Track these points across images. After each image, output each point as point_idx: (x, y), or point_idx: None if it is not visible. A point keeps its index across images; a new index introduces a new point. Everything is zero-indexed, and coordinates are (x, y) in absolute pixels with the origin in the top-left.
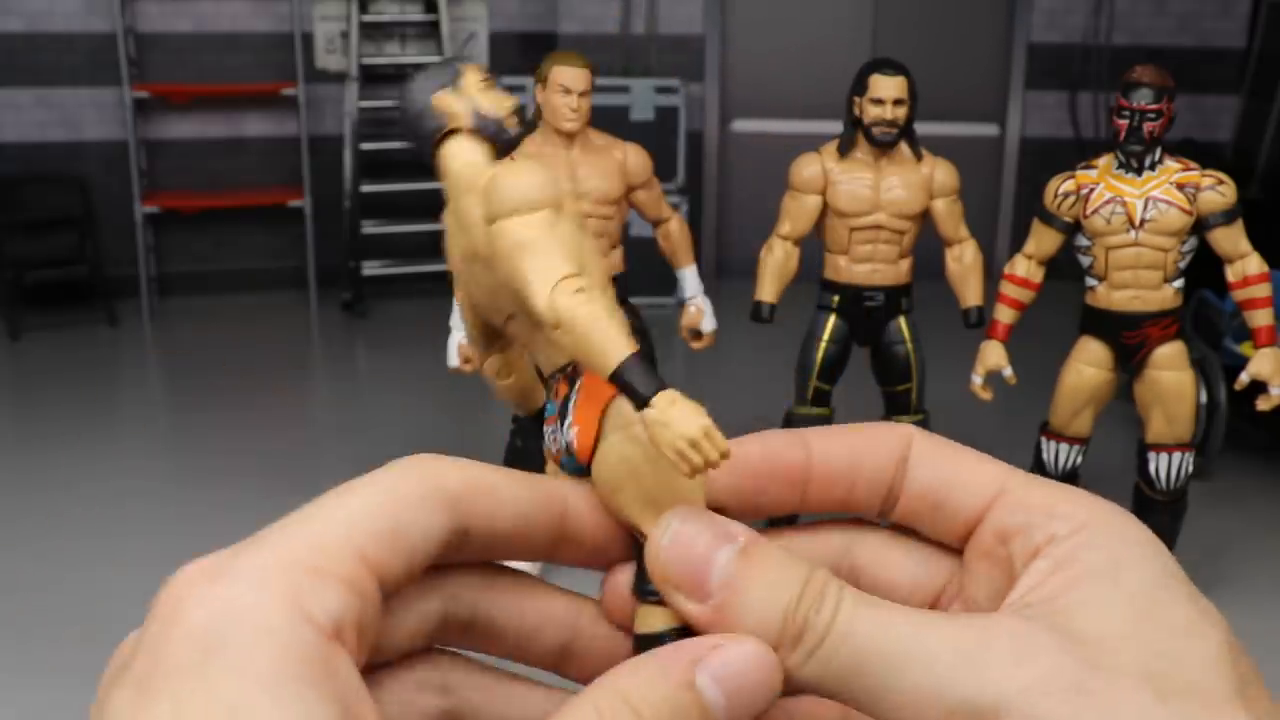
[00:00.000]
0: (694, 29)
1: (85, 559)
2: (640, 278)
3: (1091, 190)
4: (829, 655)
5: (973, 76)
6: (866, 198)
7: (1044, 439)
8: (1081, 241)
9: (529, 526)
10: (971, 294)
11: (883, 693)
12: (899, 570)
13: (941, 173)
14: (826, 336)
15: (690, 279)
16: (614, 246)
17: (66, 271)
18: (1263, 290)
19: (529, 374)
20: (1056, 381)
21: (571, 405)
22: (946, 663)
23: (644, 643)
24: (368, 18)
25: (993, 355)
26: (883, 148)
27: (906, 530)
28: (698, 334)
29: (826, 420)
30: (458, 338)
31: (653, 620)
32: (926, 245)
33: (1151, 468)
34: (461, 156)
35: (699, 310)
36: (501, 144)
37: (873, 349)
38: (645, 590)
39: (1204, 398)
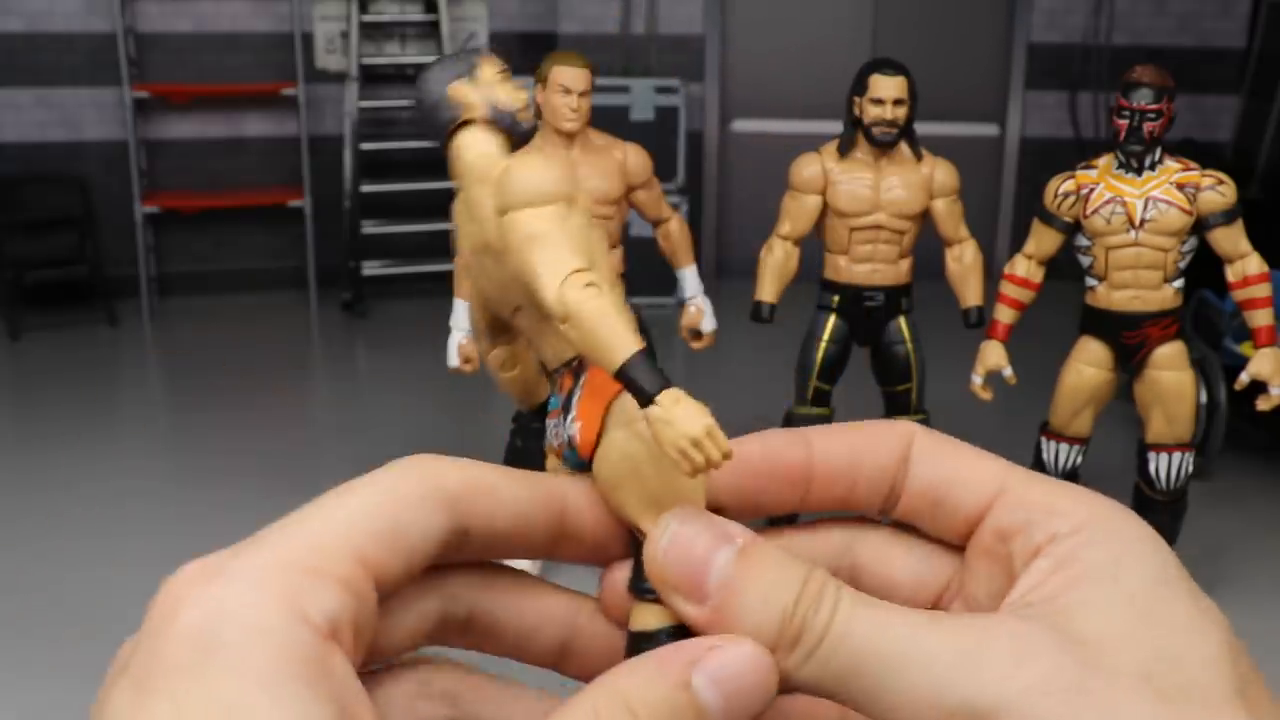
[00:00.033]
0: (694, 29)
1: (85, 559)
2: (640, 278)
3: (1091, 190)
4: (827, 656)
5: (973, 76)
6: (866, 198)
7: (1044, 439)
8: (1081, 241)
9: (529, 525)
10: (971, 294)
11: (881, 694)
12: (900, 569)
13: (941, 173)
14: (826, 336)
15: (690, 279)
16: (614, 246)
17: (66, 271)
18: (1263, 290)
19: (533, 368)
20: (1056, 381)
21: (575, 400)
22: (945, 664)
23: (638, 640)
24: (368, 18)
25: (993, 355)
26: (883, 148)
27: (908, 528)
28: (698, 334)
29: (826, 420)
30: (458, 338)
31: (647, 618)
32: (926, 245)
33: (1151, 468)
34: (476, 147)
35: (699, 310)
36: (516, 136)
37: (873, 349)
38: (642, 588)
39: (1204, 398)
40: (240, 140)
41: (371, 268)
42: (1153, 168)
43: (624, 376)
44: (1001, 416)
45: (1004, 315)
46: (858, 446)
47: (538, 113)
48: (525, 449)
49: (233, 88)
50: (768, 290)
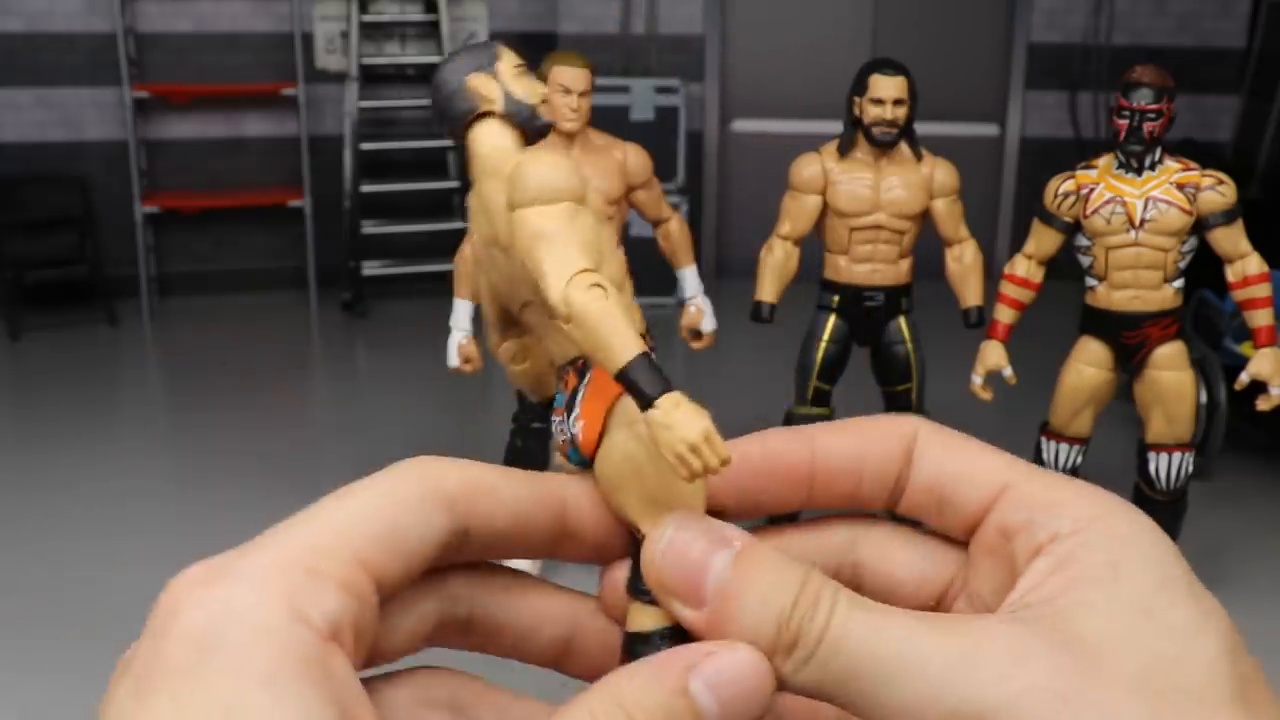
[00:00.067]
0: (694, 29)
1: (85, 559)
2: (640, 278)
3: (1091, 190)
4: (823, 661)
5: (973, 76)
6: (866, 198)
7: (1044, 439)
8: (1081, 241)
9: (529, 525)
10: (971, 294)
11: (878, 697)
12: (904, 566)
13: (941, 173)
14: (826, 336)
15: (690, 279)
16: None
17: (66, 271)
18: (1263, 290)
19: (543, 361)
20: (1056, 381)
21: (579, 398)
22: (942, 666)
23: (633, 641)
24: (368, 18)
25: (993, 355)
26: (883, 148)
27: (912, 524)
28: (698, 334)
29: (827, 420)
30: (458, 338)
31: (644, 619)
32: (926, 245)
33: (1151, 468)
34: (490, 140)
35: (699, 310)
36: (531, 131)
37: (873, 349)
38: (639, 589)
39: (1204, 398)
40: (240, 140)
41: (371, 268)
42: (1153, 168)
43: (625, 379)
44: (1001, 416)
45: (1004, 315)
46: (862, 442)
47: None
48: (525, 449)
49: (233, 88)
50: (768, 290)
